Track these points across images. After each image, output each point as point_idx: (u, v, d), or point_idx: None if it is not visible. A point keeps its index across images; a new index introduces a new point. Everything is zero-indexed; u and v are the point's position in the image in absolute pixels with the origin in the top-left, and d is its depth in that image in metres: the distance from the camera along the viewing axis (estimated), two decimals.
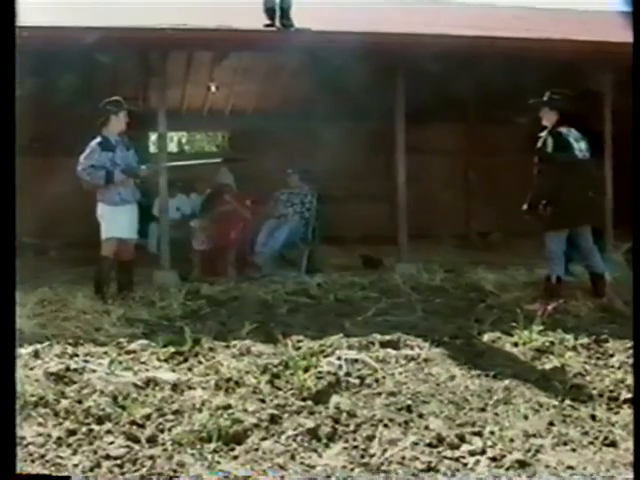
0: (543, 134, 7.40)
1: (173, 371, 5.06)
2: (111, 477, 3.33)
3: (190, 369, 5.12)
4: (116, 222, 7.51)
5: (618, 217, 9.51)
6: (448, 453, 3.72)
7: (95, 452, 3.63)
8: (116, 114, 7.53)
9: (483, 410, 4.36)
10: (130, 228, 7.67)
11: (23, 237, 10.39)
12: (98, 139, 7.51)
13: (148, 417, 4.13)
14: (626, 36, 3.20)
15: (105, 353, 5.49)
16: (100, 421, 4.05)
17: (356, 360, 5.13)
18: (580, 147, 7.39)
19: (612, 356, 5.49)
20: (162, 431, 3.96)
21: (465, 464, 3.61)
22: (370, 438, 3.89)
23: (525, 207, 7.36)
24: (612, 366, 5.25)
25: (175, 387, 4.64)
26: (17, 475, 3.02)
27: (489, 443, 3.83)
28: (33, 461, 3.54)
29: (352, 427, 4.04)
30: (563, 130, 7.38)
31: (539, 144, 7.35)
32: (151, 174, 8.27)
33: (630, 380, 4.78)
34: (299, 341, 5.71)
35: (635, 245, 6.41)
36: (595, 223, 7.95)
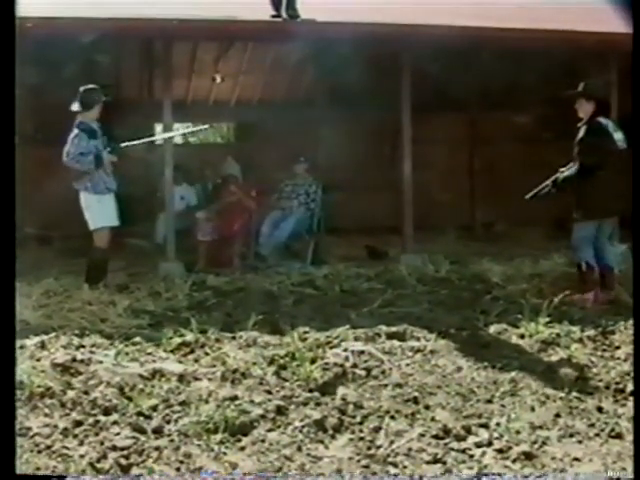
0: (581, 125, 7.27)
1: (179, 362, 5.07)
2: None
3: (196, 360, 5.13)
4: (105, 211, 7.49)
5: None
6: (454, 445, 3.72)
7: (102, 443, 3.65)
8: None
9: (489, 402, 4.36)
10: (115, 216, 7.63)
11: (26, 228, 10.40)
12: (81, 126, 7.46)
13: (155, 408, 4.15)
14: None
15: (111, 344, 5.49)
16: (107, 412, 4.06)
17: (362, 352, 5.13)
18: (618, 137, 7.31)
19: (618, 348, 5.48)
20: (169, 422, 3.97)
21: (471, 456, 3.61)
22: (377, 429, 3.90)
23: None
24: (618, 358, 5.24)
25: (181, 378, 4.64)
26: (17, 475, 3.03)
27: (495, 435, 3.84)
28: (40, 452, 3.54)
29: (359, 418, 4.05)
30: (602, 121, 7.27)
31: (579, 136, 7.24)
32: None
33: None
34: (305, 332, 5.70)
35: (635, 245, 6.40)
36: (621, 214, 7.87)
